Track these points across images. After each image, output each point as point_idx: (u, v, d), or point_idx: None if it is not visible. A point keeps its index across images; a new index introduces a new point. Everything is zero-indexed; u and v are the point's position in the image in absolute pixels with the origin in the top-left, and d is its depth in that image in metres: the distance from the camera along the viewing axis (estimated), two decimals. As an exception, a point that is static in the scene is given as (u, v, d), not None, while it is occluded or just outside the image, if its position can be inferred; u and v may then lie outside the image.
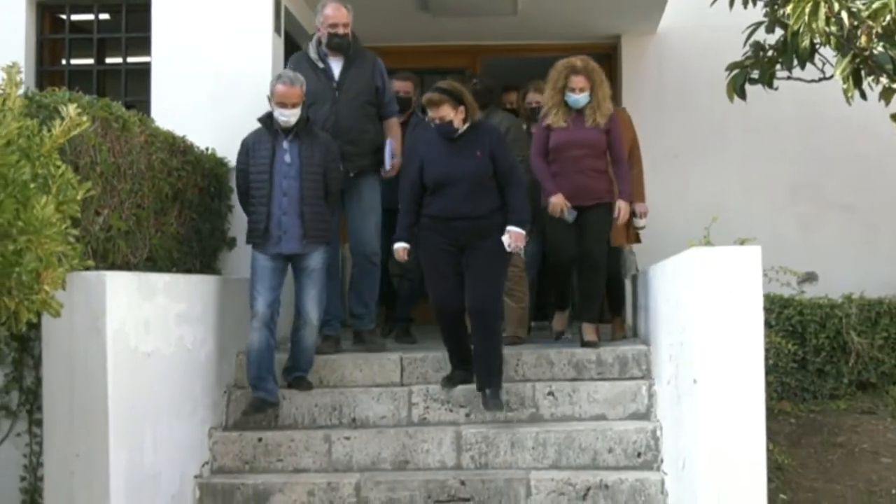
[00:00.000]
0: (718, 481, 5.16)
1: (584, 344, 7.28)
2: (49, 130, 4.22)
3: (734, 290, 5.17)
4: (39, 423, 6.42)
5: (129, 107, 8.03)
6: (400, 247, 6.96)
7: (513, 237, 6.61)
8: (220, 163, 7.85)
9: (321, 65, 7.58)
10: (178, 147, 7.21)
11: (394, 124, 7.87)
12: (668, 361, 6.18)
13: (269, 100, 6.86)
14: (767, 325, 7.68)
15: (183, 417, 6.36)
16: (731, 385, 5.15)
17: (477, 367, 6.74)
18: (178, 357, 6.25)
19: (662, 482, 6.26)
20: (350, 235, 7.78)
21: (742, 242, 5.86)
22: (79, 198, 4.09)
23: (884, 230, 9.37)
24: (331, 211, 7.14)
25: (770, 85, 7.87)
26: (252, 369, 6.79)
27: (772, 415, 7.29)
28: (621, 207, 7.41)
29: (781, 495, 6.48)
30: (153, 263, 6.65)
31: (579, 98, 7.34)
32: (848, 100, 7.21)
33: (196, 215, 7.37)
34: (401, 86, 8.51)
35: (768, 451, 6.56)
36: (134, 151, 6.44)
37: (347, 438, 6.73)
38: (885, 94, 7.33)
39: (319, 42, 7.60)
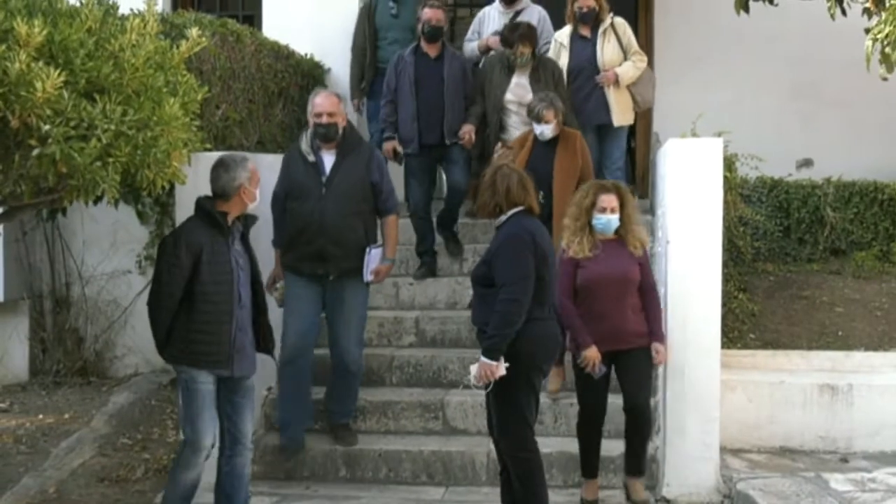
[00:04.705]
0: (683, 320, 6.03)
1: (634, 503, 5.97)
2: (177, 47, 5.05)
3: (698, 172, 5.95)
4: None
5: (246, 18, 8.96)
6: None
7: (480, 367, 5.01)
8: (317, 66, 8.70)
9: (311, 157, 6.30)
10: (282, 53, 8.07)
11: (391, 222, 6.50)
12: (659, 228, 6.94)
13: (219, 194, 5.24)
14: (759, 201, 8.37)
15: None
16: (693, 246, 5.97)
17: None
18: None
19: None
20: (330, 341, 6.44)
21: (719, 135, 6.57)
22: (199, 99, 4.94)
23: (870, 124, 9.80)
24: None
25: (771, 2, 8.38)
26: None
27: (756, 273, 8.02)
28: (659, 351, 5.81)
29: (751, 335, 7.26)
30: (262, 146, 7.53)
31: (611, 219, 5.70)
32: (831, 16, 7.71)
33: (297, 108, 8.18)
34: (431, 14, 7.58)
35: (743, 301, 7.40)
36: (246, 58, 7.32)
37: (411, 284, 7.68)
38: (867, 12, 7.90)
39: (314, 136, 6.34)
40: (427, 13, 7.61)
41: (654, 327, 5.80)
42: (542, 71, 7.47)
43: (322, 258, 6.21)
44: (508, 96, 7.45)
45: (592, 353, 5.62)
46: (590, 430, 5.90)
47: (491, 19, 8.31)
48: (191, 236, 5.11)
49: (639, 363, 5.78)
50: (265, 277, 5.87)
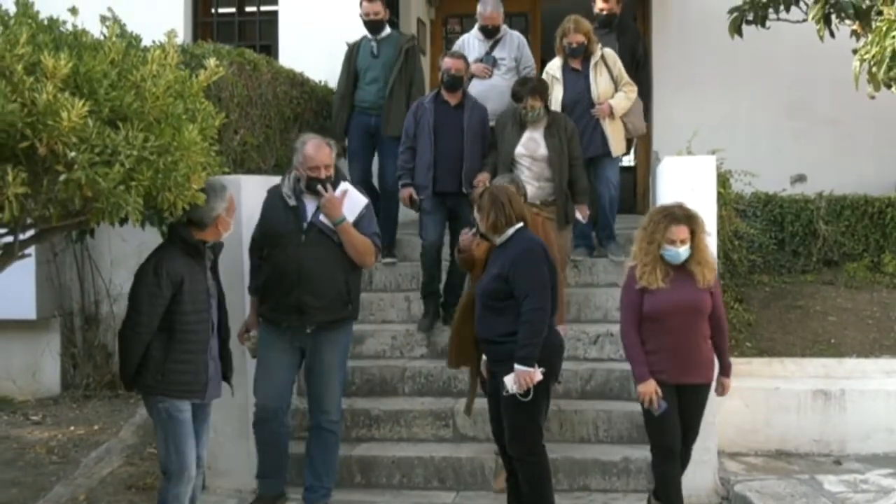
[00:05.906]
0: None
1: None
2: (196, 76, 5.10)
3: (693, 188, 5.99)
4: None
5: (263, 48, 9.06)
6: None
7: (518, 376, 5.10)
8: (331, 92, 8.72)
9: (293, 202, 5.76)
10: (297, 80, 8.16)
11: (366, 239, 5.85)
12: (658, 241, 6.97)
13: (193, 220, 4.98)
14: (754, 216, 8.39)
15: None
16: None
17: None
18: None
19: (653, 332, 7.10)
20: (308, 397, 5.95)
21: (713, 152, 6.62)
22: (216, 125, 4.98)
23: (860, 140, 9.85)
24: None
25: (763, 25, 8.44)
26: None
27: (752, 284, 8.02)
28: (724, 384, 5.52)
29: (747, 343, 7.29)
30: (280, 169, 7.57)
31: (680, 252, 5.24)
32: (820, 38, 7.78)
33: (312, 132, 8.26)
34: (451, 63, 7.32)
35: (740, 311, 7.43)
36: (262, 85, 7.41)
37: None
38: (854, 34, 7.99)
39: (297, 180, 5.81)
40: (447, 62, 7.37)
41: (721, 359, 5.46)
42: (555, 127, 7.07)
43: (300, 310, 5.67)
44: (520, 150, 7.06)
45: (649, 388, 5.20)
46: (671, 467, 5.37)
47: (471, 47, 8.12)
48: (171, 265, 4.90)
49: (701, 404, 5.42)
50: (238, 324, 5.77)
